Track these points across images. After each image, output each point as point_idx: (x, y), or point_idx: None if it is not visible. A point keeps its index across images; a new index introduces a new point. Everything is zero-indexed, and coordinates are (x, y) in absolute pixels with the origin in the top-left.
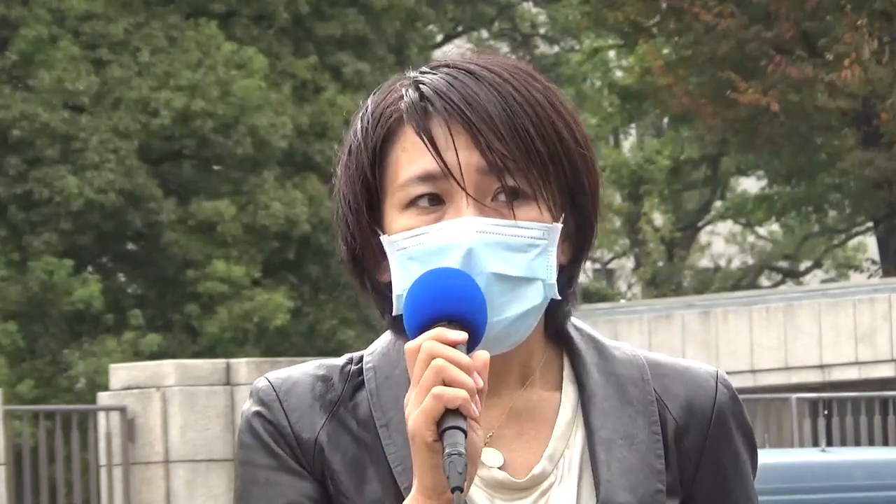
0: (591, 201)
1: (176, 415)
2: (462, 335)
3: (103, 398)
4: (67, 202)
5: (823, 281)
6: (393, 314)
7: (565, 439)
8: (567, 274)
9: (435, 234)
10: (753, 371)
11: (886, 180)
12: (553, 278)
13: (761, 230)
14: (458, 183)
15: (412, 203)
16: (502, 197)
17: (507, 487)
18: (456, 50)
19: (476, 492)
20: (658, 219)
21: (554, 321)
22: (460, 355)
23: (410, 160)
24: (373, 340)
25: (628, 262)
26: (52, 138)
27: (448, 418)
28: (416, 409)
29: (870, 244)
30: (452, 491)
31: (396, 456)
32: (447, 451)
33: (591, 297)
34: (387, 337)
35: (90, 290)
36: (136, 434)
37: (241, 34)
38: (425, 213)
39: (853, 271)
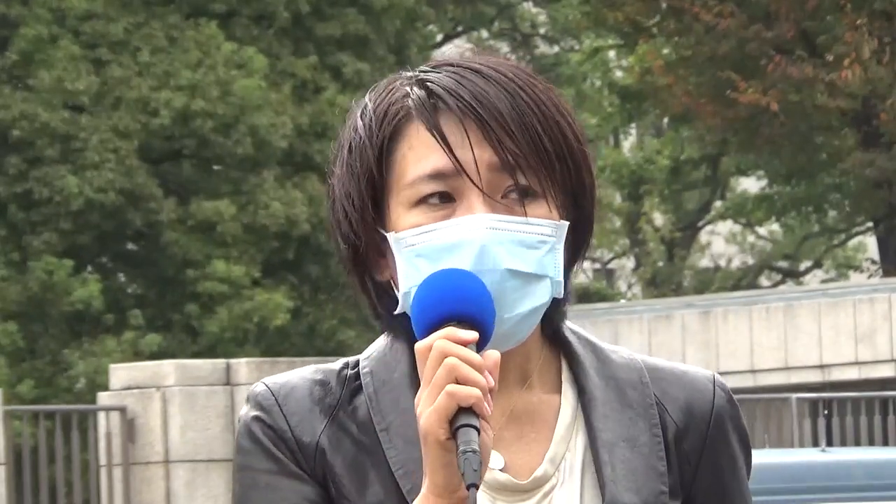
0: (591, 201)
1: (176, 415)
2: (473, 334)
3: (103, 398)
4: (67, 202)
5: (823, 281)
6: (396, 312)
7: (566, 442)
8: (565, 274)
9: (447, 230)
10: (753, 371)
11: (886, 180)
12: (560, 276)
13: (761, 230)
14: (471, 180)
15: (422, 201)
16: (512, 194)
17: (509, 489)
18: (455, 50)
19: (478, 494)
20: (658, 219)
21: (551, 322)
22: (473, 354)
23: (419, 158)
24: (373, 340)
25: (628, 262)
26: (52, 138)
27: (461, 416)
28: (429, 408)
29: (870, 244)
30: (468, 488)
31: (397, 459)
32: (462, 448)
33: (591, 297)
34: (382, 341)
35: (90, 290)
36: (136, 434)
37: (241, 34)
38: (435, 210)
39: (853, 271)
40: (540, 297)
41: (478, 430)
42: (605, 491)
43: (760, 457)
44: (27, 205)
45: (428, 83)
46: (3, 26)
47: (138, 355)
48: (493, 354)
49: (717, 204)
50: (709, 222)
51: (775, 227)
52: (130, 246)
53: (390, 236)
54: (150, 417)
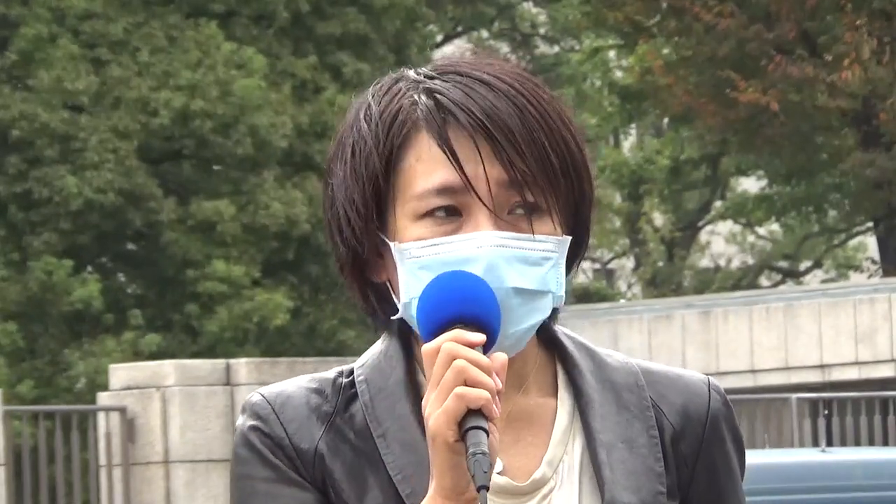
0: (590, 210)
1: (176, 415)
2: (481, 337)
3: (103, 398)
4: (67, 202)
5: (823, 281)
6: (394, 318)
7: (563, 444)
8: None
9: (453, 245)
10: (753, 371)
11: (886, 180)
12: (562, 290)
13: (761, 230)
14: (479, 198)
15: (428, 214)
16: (518, 211)
17: (508, 492)
18: (456, 50)
19: None
20: (658, 219)
21: (545, 326)
22: (481, 356)
23: (427, 171)
24: (373, 341)
25: (628, 262)
26: (51, 138)
27: (470, 418)
28: (438, 410)
29: (870, 244)
30: (479, 490)
31: (395, 464)
32: (471, 450)
33: (591, 297)
34: (376, 349)
35: (90, 290)
36: (136, 434)
37: (240, 34)
38: (441, 225)
39: (853, 271)
40: (543, 311)
41: (487, 432)
42: (605, 491)
43: (760, 457)
44: (27, 205)
45: (437, 94)
46: (3, 26)
47: (138, 355)
48: (500, 357)
49: (717, 204)
50: (709, 222)
51: (775, 227)
52: (130, 246)
53: (393, 246)
54: (150, 417)
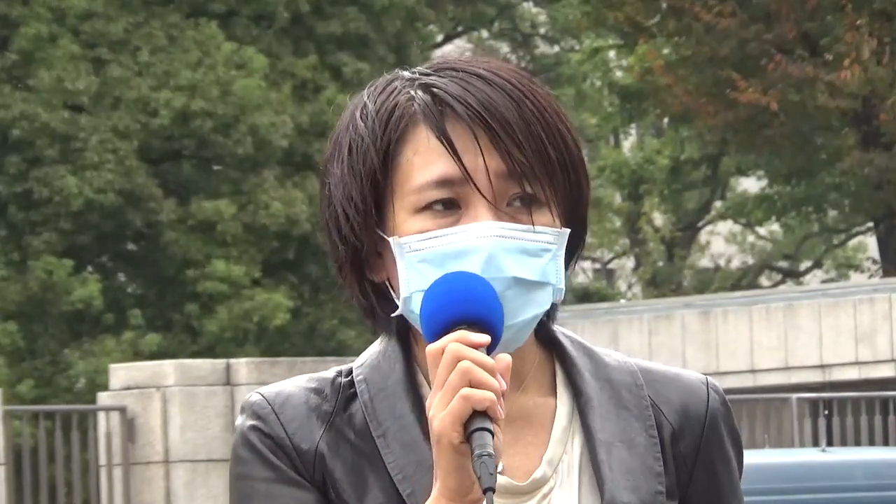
0: (586, 207)
1: (176, 415)
2: (485, 338)
3: (103, 398)
4: (67, 202)
5: (823, 281)
6: (394, 315)
7: (563, 444)
8: None
9: (454, 237)
10: (753, 371)
11: (886, 180)
12: (562, 283)
13: (761, 230)
14: (478, 189)
15: (426, 207)
16: (517, 202)
17: (508, 492)
18: (455, 50)
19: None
20: (658, 219)
21: (543, 324)
22: (485, 358)
23: (425, 164)
24: (372, 341)
25: (628, 262)
26: (51, 138)
27: (475, 420)
28: (443, 411)
29: (870, 244)
30: (485, 492)
31: (395, 464)
32: (477, 451)
33: (591, 297)
34: (375, 348)
35: (90, 290)
36: (136, 434)
37: (240, 34)
38: (440, 217)
39: (853, 271)
40: (542, 304)
41: (492, 433)
42: (604, 490)
43: (760, 457)
44: (27, 205)
45: (433, 88)
46: (4, 26)
47: (138, 355)
48: (504, 358)
49: (717, 204)
50: (709, 222)
51: (775, 227)
52: (130, 246)
53: (392, 241)
54: (150, 417)
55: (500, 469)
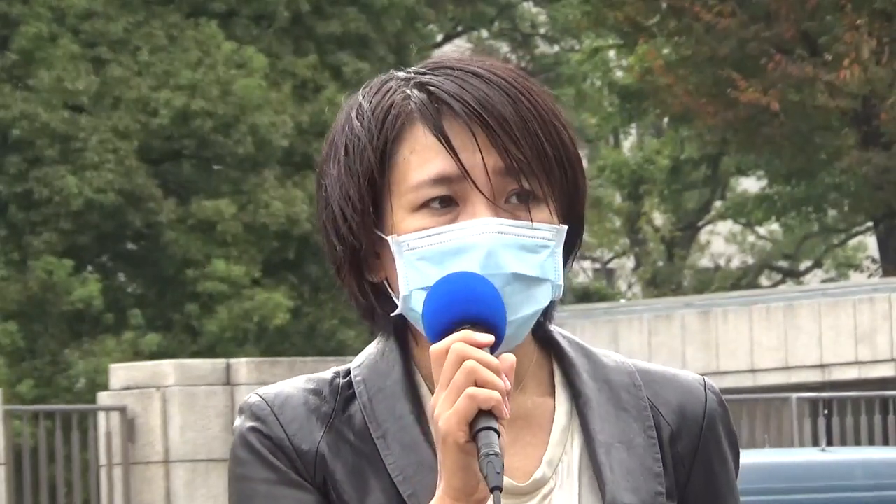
0: (583, 204)
1: (176, 415)
2: (490, 338)
3: (103, 398)
4: (67, 202)
5: (823, 281)
6: (394, 314)
7: (562, 444)
8: None
9: (453, 234)
10: (753, 371)
11: (886, 180)
12: (561, 279)
13: (761, 230)
14: (476, 186)
15: (424, 205)
16: (515, 199)
17: (509, 492)
18: (452, 49)
19: None
20: (658, 219)
21: (541, 324)
22: (490, 357)
23: (422, 161)
24: (372, 341)
25: (628, 262)
26: (51, 138)
27: (481, 419)
28: (448, 411)
29: (870, 244)
30: (492, 491)
31: (396, 465)
32: (484, 451)
33: (591, 297)
34: (372, 349)
35: (90, 290)
36: (136, 434)
37: (241, 33)
38: (438, 215)
39: (853, 271)
40: (541, 300)
41: (498, 432)
42: (606, 491)
43: (760, 457)
44: (27, 205)
45: (429, 86)
46: (4, 25)
47: (138, 355)
48: (508, 357)
49: (717, 204)
50: (709, 222)
51: (775, 227)
52: (130, 246)
53: (391, 239)
54: (150, 417)
55: None
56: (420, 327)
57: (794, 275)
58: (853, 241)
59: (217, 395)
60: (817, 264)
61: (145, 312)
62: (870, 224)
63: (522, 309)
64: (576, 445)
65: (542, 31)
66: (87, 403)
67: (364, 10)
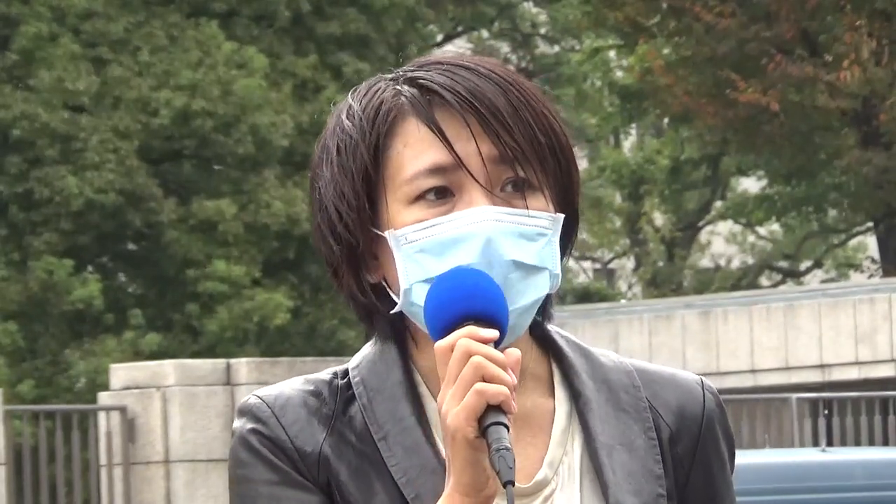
0: (577, 196)
1: (176, 415)
2: (494, 333)
3: (103, 398)
4: (67, 202)
5: (823, 281)
6: (394, 311)
7: (562, 446)
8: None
9: (450, 224)
10: (753, 371)
11: (886, 180)
12: (558, 268)
13: (761, 230)
14: (471, 174)
15: (420, 197)
16: (510, 187)
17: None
18: (455, 50)
19: None
20: (658, 219)
21: (538, 323)
22: (497, 353)
23: (416, 154)
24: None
25: (628, 262)
26: (52, 138)
27: (490, 414)
28: (456, 407)
29: (870, 244)
30: (505, 485)
31: (398, 467)
32: (495, 446)
33: (591, 297)
34: (369, 349)
35: (90, 290)
36: (136, 434)
37: (241, 33)
38: (435, 206)
39: (853, 271)
40: (540, 289)
41: (507, 427)
42: (609, 494)
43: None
44: (27, 205)
45: (419, 80)
46: (4, 25)
47: (138, 355)
48: (514, 352)
49: (717, 204)
50: (709, 222)
51: (775, 227)
52: (131, 246)
53: (388, 234)
54: (150, 417)
55: None
56: (421, 323)
57: (794, 275)
58: (853, 242)
59: (217, 395)
60: (817, 264)
61: (146, 312)
62: (870, 224)
63: (523, 297)
64: (576, 447)
65: (542, 31)
66: (88, 403)
67: (364, 10)
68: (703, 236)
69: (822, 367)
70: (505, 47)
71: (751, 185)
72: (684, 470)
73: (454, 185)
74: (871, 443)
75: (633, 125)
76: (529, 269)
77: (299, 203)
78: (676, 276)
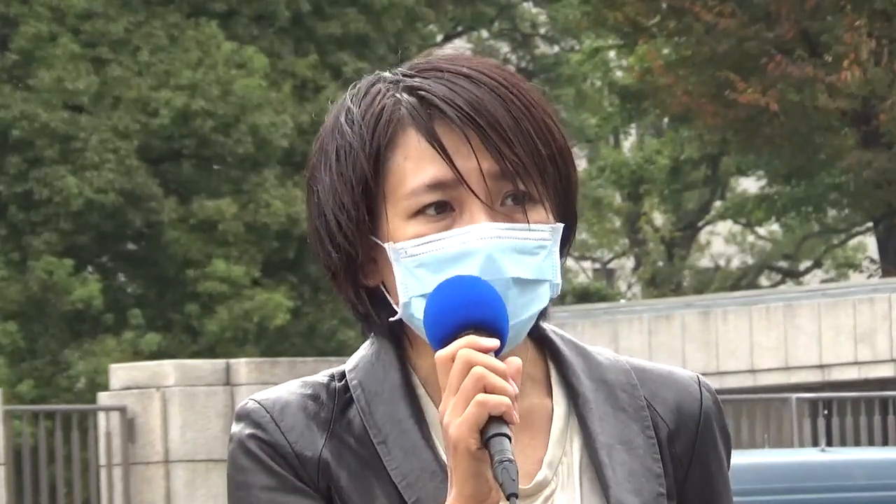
0: (576, 197)
1: (176, 415)
2: (495, 342)
3: (103, 398)
4: (67, 202)
5: (823, 281)
6: (393, 320)
7: (561, 446)
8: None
9: (451, 240)
10: (753, 371)
11: (886, 180)
12: (558, 278)
13: (761, 230)
14: (472, 191)
15: (420, 211)
16: (510, 201)
17: None
18: (451, 49)
19: None
20: (658, 219)
21: (536, 323)
22: (498, 362)
23: (416, 168)
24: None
25: (628, 262)
26: (51, 138)
27: (492, 426)
28: (458, 418)
29: (870, 244)
30: (508, 498)
31: (398, 471)
32: (497, 458)
33: (591, 297)
34: (365, 351)
35: (90, 290)
36: (136, 434)
37: (241, 33)
38: (435, 221)
39: (853, 271)
40: (541, 301)
41: (510, 438)
42: (609, 493)
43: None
44: (27, 205)
45: (419, 91)
46: (3, 25)
47: (138, 355)
48: (515, 361)
49: (717, 204)
50: (709, 222)
51: (775, 227)
52: (130, 246)
53: (388, 246)
54: (150, 417)
55: None
56: (421, 332)
57: (793, 275)
58: (853, 242)
59: (217, 395)
60: (817, 264)
61: (145, 312)
62: (870, 224)
63: (524, 312)
64: (575, 447)
65: (542, 31)
66: (87, 403)
67: (364, 10)
68: (703, 236)
69: (821, 367)
70: (505, 47)
71: (751, 185)
72: (683, 468)
73: (454, 201)
74: (871, 443)
75: (633, 125)
76: (529, 284)
77: (299, 203)
78: (676, 276)
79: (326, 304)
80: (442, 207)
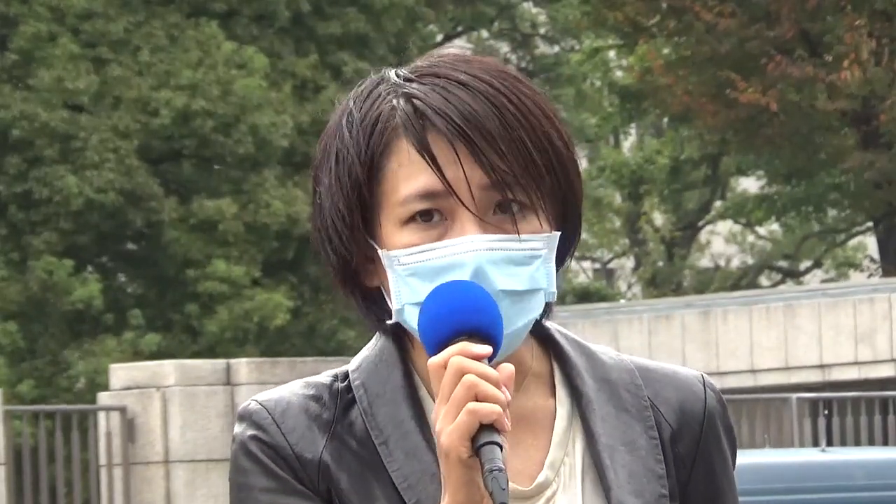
0: (579, 204)
1: (176, 415)
2: (487, 349)
3: (103, 398)
4: (67, 202)
5: (823, 281)
6: (389, 321)
7: (563, 447)
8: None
9: (441, 251)
10: (753, 371)
11: (886, 180)
12: (553, 286)
13: (761, 230)
14: (461, 202)
15: (412, 219)
16: (501, 211)
17: (512, 496)
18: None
19: None
20: (658, 219)
21: (539, 323)
22: (489, 370)
23: (409, 176)
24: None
25: (628, 262)
26: (51, 138)
27: (483, 434)
28: (450, 426)
29: (870, 244)
30: None
31: (399, 473)
32: (488, 466)
33: (591, 297)
34: (369, 351)
35: (90, 290)
36: (136, 434)
37: (241, 33)
38: (426, 230)
39: (853, 271)
40: (534, 310)
41: (501, 446)
42: (611, 495)
43: (760, 457)
44: (27, 205)
45: (414, 99)
46: (3, 25)
47: (138, 355)
48: (507, 367)
49: (717, 204)
50: (709, 222)
51: (775, 227)
52: (130, 246)
53: (382, 253)
54: (150, 417)
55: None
56: (417, 337)
57: (794, 275)
58: (853, 241)
59: (217, 395)
60: (817, 264)
61: (145, 312)
62: (870, 224)
63: (515, 322)
64: (578, 447)
65: (542, 31)
66: (87, 403)
67: (364, 10)
68: (703, 236)
69: (821, 367)
70: (505, 47)
71: (751, 185)
72: (686, 468)
73: (445, 210)
74: (871, 443)
75: (633, 125)
76: (521, 295)
77: (299, 203)
78: (676, 276)
79: (326, 304)
80: (434, 216)
